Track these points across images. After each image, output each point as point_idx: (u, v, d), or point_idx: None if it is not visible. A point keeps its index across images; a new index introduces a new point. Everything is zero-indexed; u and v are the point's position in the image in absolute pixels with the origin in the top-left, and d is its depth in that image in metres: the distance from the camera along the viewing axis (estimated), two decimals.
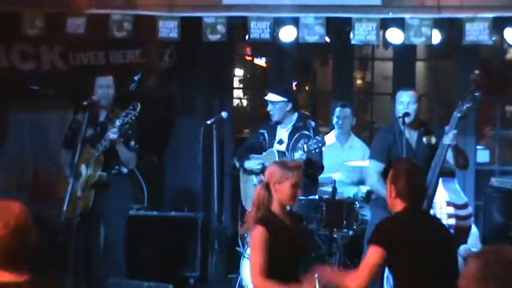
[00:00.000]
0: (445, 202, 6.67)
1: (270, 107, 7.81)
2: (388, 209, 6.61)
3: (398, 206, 5.16)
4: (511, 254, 2.97)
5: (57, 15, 8.58)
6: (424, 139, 7.05)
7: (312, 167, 7.48)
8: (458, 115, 6.66)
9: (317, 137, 7.33)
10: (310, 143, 7.24)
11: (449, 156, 6.87)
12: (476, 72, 8.11)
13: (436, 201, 6.64)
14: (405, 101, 7.04)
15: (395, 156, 6.91)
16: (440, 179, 6.67)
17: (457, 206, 6.74)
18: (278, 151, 7.68)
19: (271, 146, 7.80)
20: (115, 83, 7.75)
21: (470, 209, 6.96)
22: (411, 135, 7.09)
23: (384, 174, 6.91)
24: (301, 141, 7.37)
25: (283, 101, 7.76)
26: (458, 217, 6.70)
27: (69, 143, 7.71)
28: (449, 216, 6.65)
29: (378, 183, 6.97)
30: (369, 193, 7.76)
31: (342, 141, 8.69)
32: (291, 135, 7.71)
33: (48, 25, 8.60)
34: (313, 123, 7.83)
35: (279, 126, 7.83)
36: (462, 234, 6.79)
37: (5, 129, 9.62)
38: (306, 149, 7.24)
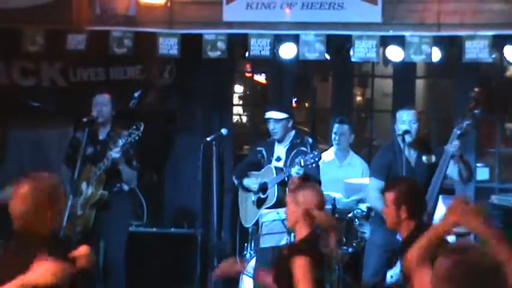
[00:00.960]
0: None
1: (272, 125, 7.80)
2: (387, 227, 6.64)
3: (407, 225, 5.14)
4: (477, 255, 2.99)
5: (57, 32, 8.60)
6: (424, 158, 7.04)
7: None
8: (458, 132, 6.67)
9: (314, 152, 7.37)
10: (306, 157, 7.28)
11: (452, 172, 6.87)
12: (476, 89, 8.13)
13: (436, 218, 6.63)
14: (407, 120, 7.04)
15: (394, 175, 6.92)
16: (440, 196, 6.66)
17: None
18: (276, 167, 7.69)
19: (270, 163, 7.82)
20: (114, 100, 7.75)
21: None
22: (411, 154, 7.09)
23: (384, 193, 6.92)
24: (299, 157, 7.40)
25: (285, 118, 7.78)
26: (457, 234, 6.69)
27: (70, 161, 7.72)
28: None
29: (378, 201, 6.98)
30: (369, 210, 7.75)
31: (341, 158, 8.68)
32: (289, 152, 7.72)
33: (49, 42, 8.62)
34: (310, 140, 7.85)
35: (276, 143, 7.85)
36: None
37: (5, 145, 9.61)
38: (302, 164, 7.27)
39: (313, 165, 7.33)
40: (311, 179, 7.48)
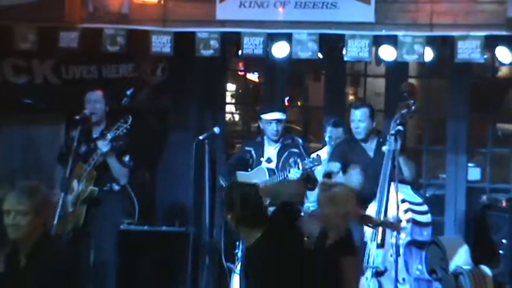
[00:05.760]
0: (400, 200, 6.76)
1: (276, 126, 7.73)
2: None
3: None
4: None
5: (50, 29, 8.59)
6: (384, 148, 7.12)
7: (310, 182, 7.53)
8: (394, 123, 6.88)
9: (313, 156, 7.39)
10: (305, 161, 7.31)
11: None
12: (406, 82, 8.29)
13: (390, 202, 6.78)
14: (355, 119, 7.39)
15: (350, 162, 7.28)
16: (394, 184, 6.76)
17: (412, 203, 7.02)
18: (268, 169, 7.66)
19: (259, 163, 7.76)
20: (107, 97, 7.74)
21: (426, 207, 7.16)
22: (369, 144, 7.38)
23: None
24: (292, 158, 7.41)
25: (285, 119, 7.81)
26: (414, 211, 6.95)
27: (64, 159, 7.70)
28: (406, 211, 6.91)
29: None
30: None
31: None
32: (280, 153, 7.70)
33: (41, 39, 8.61)
34: (301, 141, 7.84)
35: (266, 144, 7.81)
36: (421, 227, 7.02)
37: None
38: (301, 167, 7.29)
39: (313, 169, 7.37)
40: (311, 179, 7.53)
